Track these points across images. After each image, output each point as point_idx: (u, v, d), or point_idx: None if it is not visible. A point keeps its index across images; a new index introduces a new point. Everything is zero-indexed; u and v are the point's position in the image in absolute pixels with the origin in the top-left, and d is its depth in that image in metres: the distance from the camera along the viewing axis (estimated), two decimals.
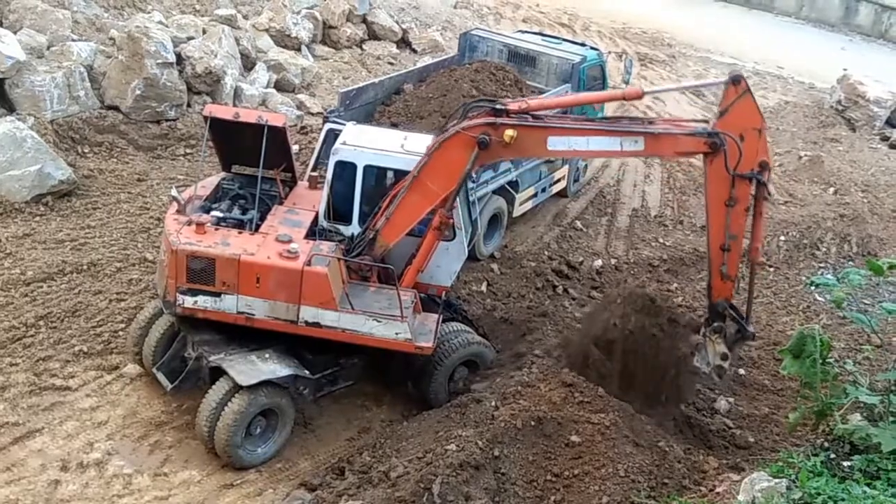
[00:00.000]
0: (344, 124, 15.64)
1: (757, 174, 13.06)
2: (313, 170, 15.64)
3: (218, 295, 12.86)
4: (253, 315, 12.99)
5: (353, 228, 14.10)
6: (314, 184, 14.97)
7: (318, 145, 16.28)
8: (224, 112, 14.34)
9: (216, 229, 13.13)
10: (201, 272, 12.73)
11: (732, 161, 12.82)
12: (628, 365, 13.97)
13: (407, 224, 13.51)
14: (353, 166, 14.02)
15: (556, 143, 13.22)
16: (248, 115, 14.17)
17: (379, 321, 13.23)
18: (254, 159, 13.95)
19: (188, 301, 12.90)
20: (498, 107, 13.02)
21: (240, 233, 13.26)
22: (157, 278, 13.88)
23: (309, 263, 12.81)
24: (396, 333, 13.29)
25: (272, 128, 13.70)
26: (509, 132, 12.74)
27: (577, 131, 13.25)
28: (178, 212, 13.42)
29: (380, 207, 13.68)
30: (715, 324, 13.85)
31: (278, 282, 12.80)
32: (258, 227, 13.58)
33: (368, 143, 14.26)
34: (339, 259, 13.27)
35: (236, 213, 14.00)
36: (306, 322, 13.05)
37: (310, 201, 14.50)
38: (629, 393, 13.73)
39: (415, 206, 13.40)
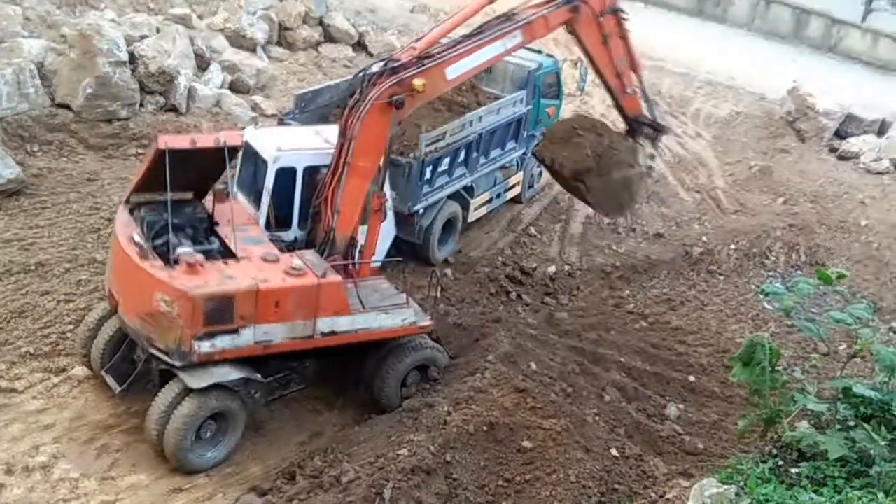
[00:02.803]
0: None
1: (614, 7, 15.67)
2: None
3: (235, 331, 12.45)
4: (270, 342, 12.75)
5: (294, 233, 14.08)
6: (221, 197, 14.01)
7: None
8: (181, 141, 13.13)
9: (202, 266, 12.46)
10: (218, 312, 12.20)
11: (599, 7, 15.37)
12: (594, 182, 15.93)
13: (356, 210, 13.79)
14: (293, 171, 14.02)
15: (454, 72, 14.32)
16: (206, 140, 13.23)
17: (387, 313, 13.51)
18: (176, 184, 13.06)
19: (205, 346, 12.34)
20: (394, 65, 13.67)
21: (226, 263, 12.81)
22: (145, 332, 12.54)
23: (324, 275, 12.77)
24: (403, 320, 13.68)
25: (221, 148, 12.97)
26: (417, 81, 13.55)
27: (465, 53, 14.32)
28: (143, 256, 12.48)
29: (315, 208, 13.84)
30: (646, 131, 16.80)
31: (297, 301, 12.67)
32: (222, 254, 13.11)
33: (301, 145, 14.33)
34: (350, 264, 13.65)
35: (187, 243, 13.10)
36: (322, 334, 13.04)
37: (237, 215, 13.77)
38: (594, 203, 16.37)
39: (357, 190, 13.71)
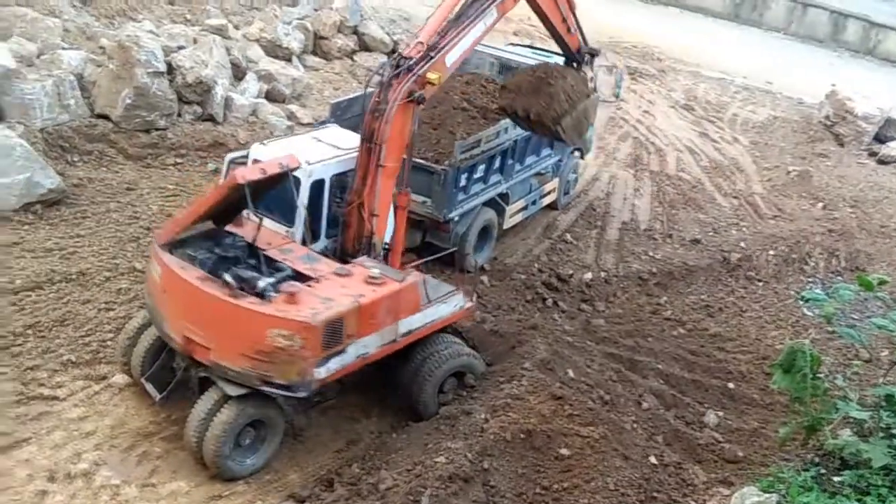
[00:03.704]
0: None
1: None
2: None
3: (344, 350, 12.56)
4: (368, 353, 12.94)
5: (323, 243, 14.17)
6: (239, 221, 13.73)
7: (222, 178, 15.46)
8: (254, 173, 12.61)
9: (296, 293, 12.32)
10: (332, 336, 12.27)
11: None
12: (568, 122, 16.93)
13: (388, 211, 14.24)
14: (322, 182, 14.12)
15: (451, 58, 14.71)
16: (273, 167, 12.88)
17: (445, 302, 13.94)
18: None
19: (322, 371, 12.40)
20: (409, 64, 13.99)
21: (310, 286, 12.71)
22: (257, 371, 12.20)
23: (403, 279, 13.10)
24: (455, 306, 14.14)
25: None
26: (432, 74, 13.95)
27: (459, 39, 14.75)
28: (236, 295, 12.21)
29: (344, 216, 14.04)
30: (588, 59, 18.29)
31: (387, 309, 12.91)
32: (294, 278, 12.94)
33: (322, 155, 14.48)
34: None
35: (251, 273, 12.78)
36: (402, 335, 13.37)
37: (269, 235, 13.71)
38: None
39: (388, 190, 14.08)
